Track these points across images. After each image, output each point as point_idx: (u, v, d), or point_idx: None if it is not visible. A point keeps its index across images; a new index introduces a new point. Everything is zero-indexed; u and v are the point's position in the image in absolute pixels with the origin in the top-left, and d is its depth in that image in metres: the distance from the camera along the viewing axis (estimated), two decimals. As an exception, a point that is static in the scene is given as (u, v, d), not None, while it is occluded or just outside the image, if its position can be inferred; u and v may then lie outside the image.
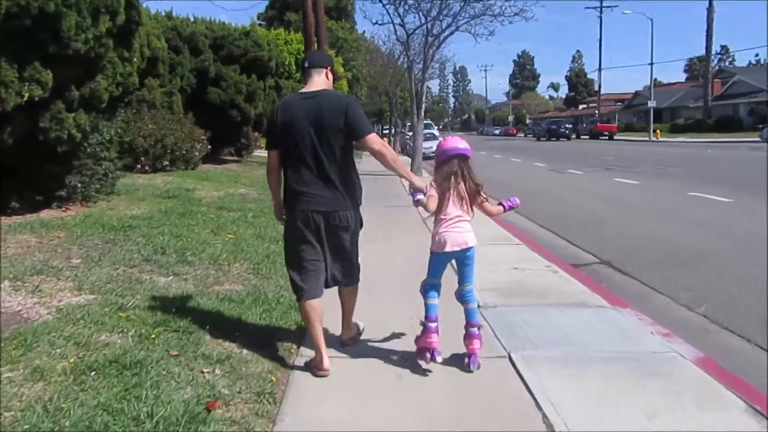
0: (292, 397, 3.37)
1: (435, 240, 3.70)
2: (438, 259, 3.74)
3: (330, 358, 3.67)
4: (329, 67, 3.78)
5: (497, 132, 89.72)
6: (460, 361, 3.74)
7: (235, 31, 16.43)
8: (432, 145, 31.51)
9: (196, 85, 15.63)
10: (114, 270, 5.20)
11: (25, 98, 5.95)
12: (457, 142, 3.78)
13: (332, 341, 4.00)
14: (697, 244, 7.98)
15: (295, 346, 4.06)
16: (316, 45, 20.74)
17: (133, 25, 7.52)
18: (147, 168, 12.65)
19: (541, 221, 10.36)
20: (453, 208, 3.67)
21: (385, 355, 3.92)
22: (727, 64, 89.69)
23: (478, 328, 3.78)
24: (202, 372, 3.49)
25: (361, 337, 4.16)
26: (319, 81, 3.68)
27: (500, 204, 3.97)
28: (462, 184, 3.68)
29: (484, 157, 32.53)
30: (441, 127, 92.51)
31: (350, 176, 3.68)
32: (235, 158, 20.26)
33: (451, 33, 18.61)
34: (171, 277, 5.27)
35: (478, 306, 4.41)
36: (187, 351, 3.70)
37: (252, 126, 17.24)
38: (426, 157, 23.50)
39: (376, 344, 4.12)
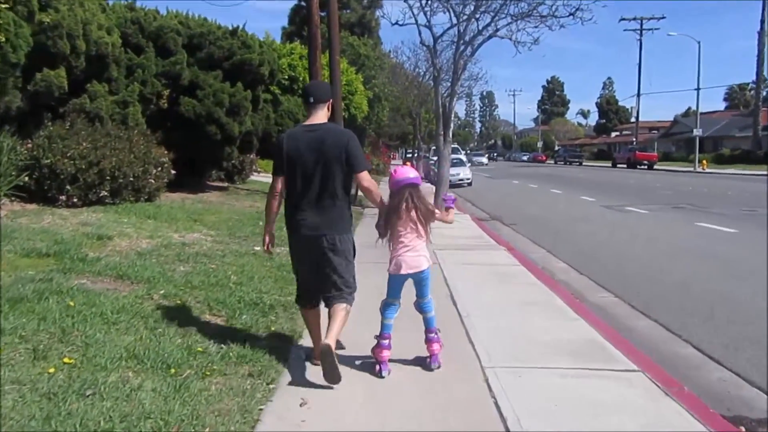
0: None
1: (392, 263, 4.04)
2: (395, 281, 4.10)
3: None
4: (330, 101, 4.10)
5: (525, 158, 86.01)
6: (423, 361, 4.18)
7: (218, 29, 13.15)
8: (459, 172, 28.10)
9: (166, 95, 12.40)
10: None
11: None
12: (408, 172, 4.08)
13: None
14: None
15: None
16: (323, 54, 17.50)
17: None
18: (75, 200, 9.36)
19: (621, 315, 6.76)
20: (408, 233, 3.98)
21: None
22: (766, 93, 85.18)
23: (436, 333, 4.21)
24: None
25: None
26: (322, 115, 3.98)
27: (447, 208, 4.37)
28: (414, 210, 3.97)
29: (517, 187, 28.90)
30: (468, 152, 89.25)
31: (345, 204, 3.97)
32: (225, 184, 16.98)
33: (487, 38, 15.19)
34: None
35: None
36: None
37: (238, 146, 13.88)
38: (452, 185, 19.90)
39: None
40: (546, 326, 5.33)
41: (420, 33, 15.18)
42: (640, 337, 5.52)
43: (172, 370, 3.65)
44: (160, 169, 11.00)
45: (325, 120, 4.00)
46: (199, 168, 14.63)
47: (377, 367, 4.04)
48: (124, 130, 10.71)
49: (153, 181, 10.72)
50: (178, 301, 4.98)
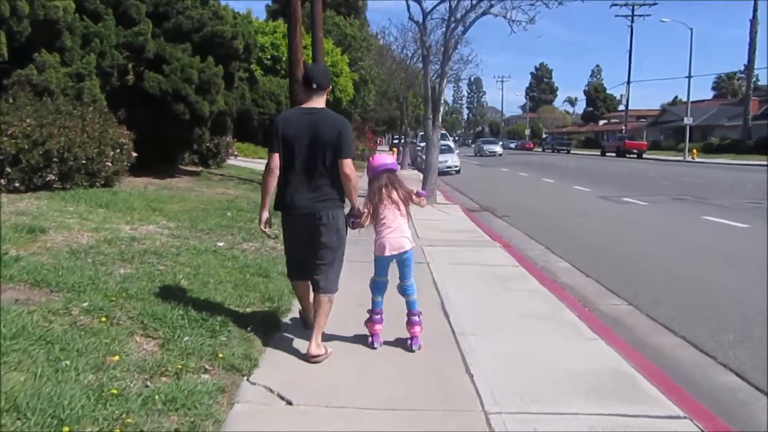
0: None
1: (376, 245, 4.20)
2: (380, 262, 4.26)
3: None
4: (330, 87, 4.30)
5: (513, 146, 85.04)
6: (404, 343, 4.27)
7: (188, -3, 11.95)
8: (447, 159, 26.95)
9: (129, 68, 11.24)
10: None
11: None
12: (385, 159, 4.32)
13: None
14: None
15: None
16: (306, 31, 16.38)
17: None
18: (17, 184, 8.25)
19: (639, 329, 5.85)
20: (389, 214, 4.14)
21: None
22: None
23: (418, 315, 4.32)
24: None
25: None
26: (321, 100, 4.08)
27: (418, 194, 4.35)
28: (394, 192, 4.17)
29: (507, 176, 27.98)
30: (456, 138, 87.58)
31: (336, 182, 4.01)
32: (198, 169, 15.85)
33: (480, 15, 14.16)
34: None
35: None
36: None
37: (210, 127, 12.75)
38: (440, 173, 18.85)
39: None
40: (559, 349, 4.39)
41: (409, 8, 14.08)
42: (669, 361, 4.60)
43: (65, 429, 2.65)
44: (118, 150, 9.88)
45: (324, 105, 4.11)
46: (169, 151, 13.50)
47: (369, 339, 4.29)
48: (78, 107, 9.59)
49: (110, 164, 9.61)
50: (104, 318, 3.95)
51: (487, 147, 56.01)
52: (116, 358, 3.45)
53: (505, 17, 14.46)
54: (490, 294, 5.94)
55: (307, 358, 3.95)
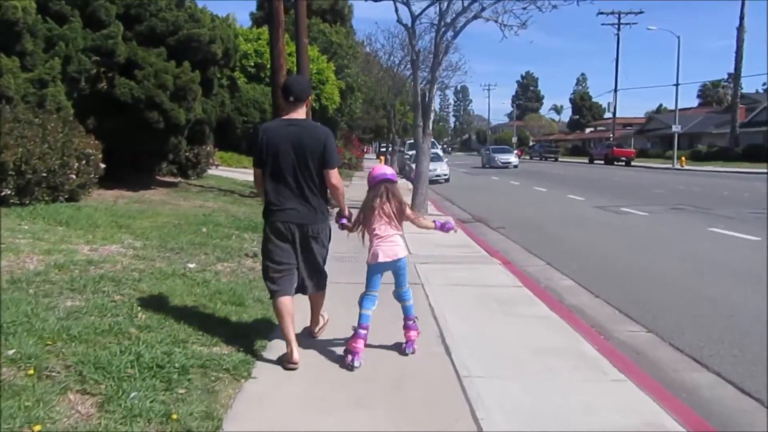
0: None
1: (370, 253, 4.19)
2: (373, 270, 4.21)
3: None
4: (309, 98, 4.30)
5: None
6: (399, 347, 4.33)
7: (162, -1, 11.22)
8: (436, 168, 26.14)
9: (99, 74, 10.49)
10: None
11: None
12: (385, 170, 4.36)
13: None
14: None
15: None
16: (291, 39, 15.73)
17: None
18: (-33, 200, 7.48)
19: (665, 363, 5.20)
20: (383, 225, 4.16)
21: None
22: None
23: (414, 321, 4.38)
24: None
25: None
26: (301, 111, 4.12)
27: (434, 222, 4.56)
28: (387, 204, 4.17)
29: (497, 184, 27.40)
30: (444, 146, 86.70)
31: (321, 195, 4.10)
32: (177, 180, 15.08)
33: (471, 19, 13.58)
34: None
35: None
36: None
37: (186, 137, 12.01)
38: (429, 182, 18.15)
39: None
40: (583, 396, 3.70)
41: (397, 10, 13.42)
42: (713, 407, 3.93)
43: None
44: (84, 162, 9.12)
45: (304, 116, 4.16)
46: (144, 161, 12.73)
47: (348, 357, 4.12)
48: (41, 114, 8.83)
49: (74, 176, 8.85)
50: (32, 370, 3.21)
51: (500, 157, 45.27)
52: (38, 428, 2.71)
53: (496, 21, 13.90)
54: (495, 322, 5.24)
55: (309, 333, 4.48)
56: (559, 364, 4.24)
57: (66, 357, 3.47)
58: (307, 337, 4.49)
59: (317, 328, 4.57)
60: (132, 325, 4.17)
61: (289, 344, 3.98)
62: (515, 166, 43.45)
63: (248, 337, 4.36)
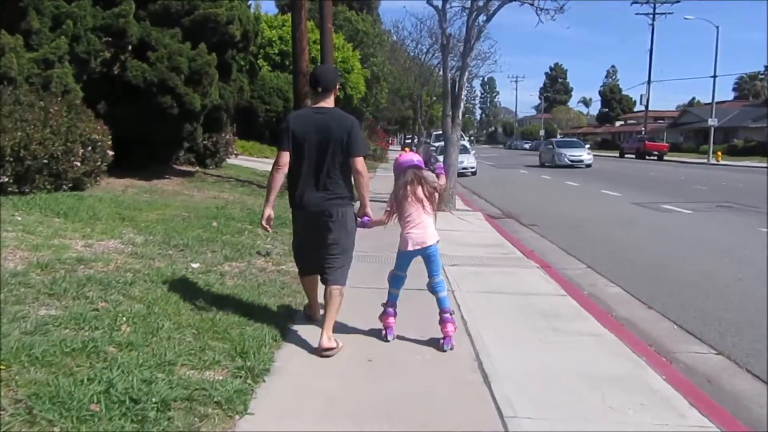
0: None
1: (401, 240, 4.23)
2: (402, 257, 4.29)
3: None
4: (337, 87, 4.30)
5: (527, 146, 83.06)
6: (437, 342, 4.17)
7: (178, -24, 10.55)
8: (463, 160, 24.96)
9: (108, 55, 9.90)
10: None
11: None
12: (412, 157, 4.38)
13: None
14: None
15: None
16: (315, 26, 15.01)
17: None
18: (-39, 188, 6.93)
19: (745, 395, 4.39)
20: (414, 211, 4.18)
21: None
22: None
23: (450, 314, 4.28)
24: None
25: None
26: (330, 100, 4.19)
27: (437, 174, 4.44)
28: (419, 188, 4.19)
29: (527, 178, 26.47)
30: (471, 138, 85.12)
31: (346, 181, 4.13)
32: (194, 168, 14.51)
33: (505, 1, 12.70)
34: None
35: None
36: None
37: (203, 123, 11.38)
38: (458, 174, 17.32)
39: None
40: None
41: (427, -8, 12.61)
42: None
43: None
44: (90, 148, 8.54)
45: (332, 104, 4.19)
46: (159, 149, 12.16)
47: (383, 332, 4.29)
48: (46, 97, 8.26)
49: (79, 164, 8.26)
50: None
51: (568, 152, 33.57)
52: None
53: (531, 4, 13.04)
54: (541, 342, 4.48)
55: (319, 351, 3.96)
56: (623, 400, 3.48)
57: (18, 387, 2.81)
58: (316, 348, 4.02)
59: (327, 347, 3.98)
60: (111, 341, 3.51)
61: (315, 304, 4.46)
62: (588, 165, 32.49)
63: (249, 356, 3.68)
